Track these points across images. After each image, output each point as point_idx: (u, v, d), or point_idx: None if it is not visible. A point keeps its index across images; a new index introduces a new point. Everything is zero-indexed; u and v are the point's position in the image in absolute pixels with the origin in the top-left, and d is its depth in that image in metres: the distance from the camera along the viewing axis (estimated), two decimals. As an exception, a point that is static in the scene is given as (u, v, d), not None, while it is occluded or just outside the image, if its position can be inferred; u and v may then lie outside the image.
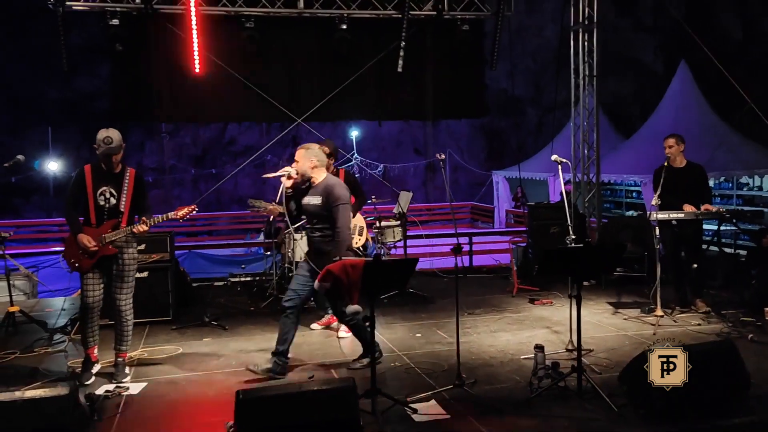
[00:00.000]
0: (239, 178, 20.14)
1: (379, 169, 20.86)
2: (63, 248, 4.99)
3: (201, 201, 19.04)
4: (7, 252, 6.90)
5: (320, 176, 4.94)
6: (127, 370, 5.09)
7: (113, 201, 4.89)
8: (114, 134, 4.81)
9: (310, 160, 4.88)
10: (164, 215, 4.91)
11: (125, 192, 4.90)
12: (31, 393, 3.42)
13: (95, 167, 4.91)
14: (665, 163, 6.51)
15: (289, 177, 4.86)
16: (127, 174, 4.96)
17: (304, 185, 4.96)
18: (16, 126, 21.14)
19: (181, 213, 4.90)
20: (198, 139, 22.46)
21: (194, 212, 4.98)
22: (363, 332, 4.99)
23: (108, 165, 4.86)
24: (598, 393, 4.29)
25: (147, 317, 6.49)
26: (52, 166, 20.95)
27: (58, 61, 8.37)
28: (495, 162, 23.07)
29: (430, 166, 22.92)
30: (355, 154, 20.22)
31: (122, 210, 4.89)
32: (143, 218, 4.82)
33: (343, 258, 4.48)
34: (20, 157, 4.54)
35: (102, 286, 4.98)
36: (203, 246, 12.01)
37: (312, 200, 4.89)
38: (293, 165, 4.91)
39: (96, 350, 5.06)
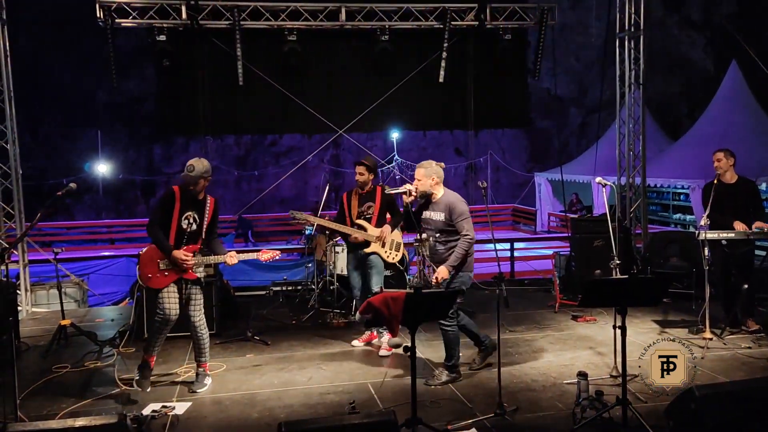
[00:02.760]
0: (281, 179, 20.36)
1: (419, 170, 20.85)
2: (137, 263, 5.17)
3: (244, 202, 19.33)
4: (58, 256, 7.13)
5: (440, 192, 5.22)
6: (206, 380, 5.32)
7: (195, 226, 5.08)
8: (199, 164, 4.97)
9: (431, 178, 5.17)
10: (249, 254, 5.26)
11: (206, 219, 5.10)
12: (82, 422, 3.53)
13: (183, 190, 5.05)
14: (714, 180, 6.32)
15: (409, 194, 5.21)
16: (208, 202, 5.15)
17: (422, 200, 5.32)
18: (67, 129, 21.84)
19: (265, 257, 5.19)
20: (240, 140, 22.82)
21: (278, 257, 5.26)
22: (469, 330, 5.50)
23: (193, 190, 5.01)
24: (644, 426, 4.21)
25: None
26: (101, 168, 21.58)
27: (107, 66, 8.62)
28: (537, 163, 22.76)
29: (471, 167, 22.75)
30: (396, 156, 20.20)
31: (202, 236, 5.11)
32: (234, 253, 5.12)
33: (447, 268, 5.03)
34: (72, 185, 4.68)
35: (179, 301, 5.15)
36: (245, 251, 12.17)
37: (434, 215, 5.20)
38: (414, 183, 5.25)
39: (155, 359, 5.25)
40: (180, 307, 5.13)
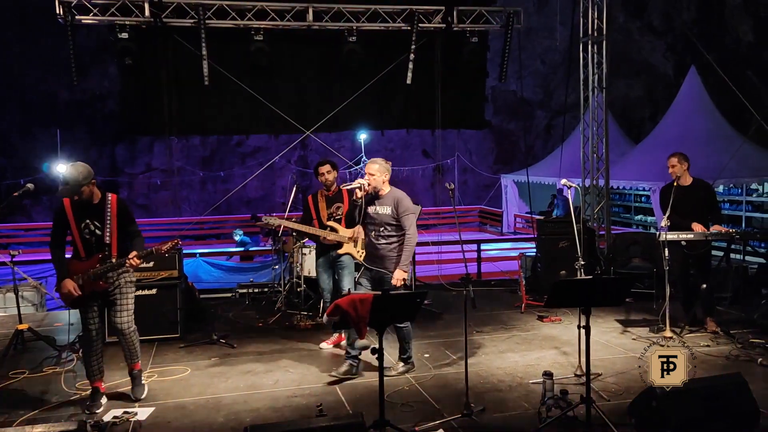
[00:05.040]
0: (248, 180, 20.19)
1: (387, 172, 20.84)
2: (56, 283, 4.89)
3: (210, 203, 19.06)
4: (15, 258, 6.91)
5: (387, 188, 5.45)
6: (143, 380, 5.17)
7: (98, 233, 4.76)
8: (74, 173, 4.62)
9: (384, 174, 5.40)
10: (151, 249, 4.81)
11: (108, 222, 4.77)
12: (40, 429, 3.43)
13: (73, 200, 4.73)
14: (674, 182, 6.45)
15: (362, 188, 5.37)
16: (109, 202, 4.80)
17: (369, 197, 5.52)
18: (26, 128, 21.24)
19: (165, 248, 4.81)
20: (206, 141, 22.50)
21: (178, 245, 4.92)
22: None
23: (82, 198, 4.69)
24: (607, 424, 4.28)
25: (155, 335, 6.52)
26: (61, 168, 21.06)
27: (67, 63, 8.43)
28: (504, 165, 22.98)
29: (438, 169, 22.88)
30: (364, 158, 20.16)
31: (108, 242, 4.77)
32: (135, 252, 4.73)
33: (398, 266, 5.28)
34: (30, 186, 4.56)
35: (99, 316, 4.91)
36: (210, 253, 12.03)
37: (381, 209, 5.40)
38: (367, 177, 5.41)
39: (103, 383, 5.03)
40: (102, 320, 4.92)
